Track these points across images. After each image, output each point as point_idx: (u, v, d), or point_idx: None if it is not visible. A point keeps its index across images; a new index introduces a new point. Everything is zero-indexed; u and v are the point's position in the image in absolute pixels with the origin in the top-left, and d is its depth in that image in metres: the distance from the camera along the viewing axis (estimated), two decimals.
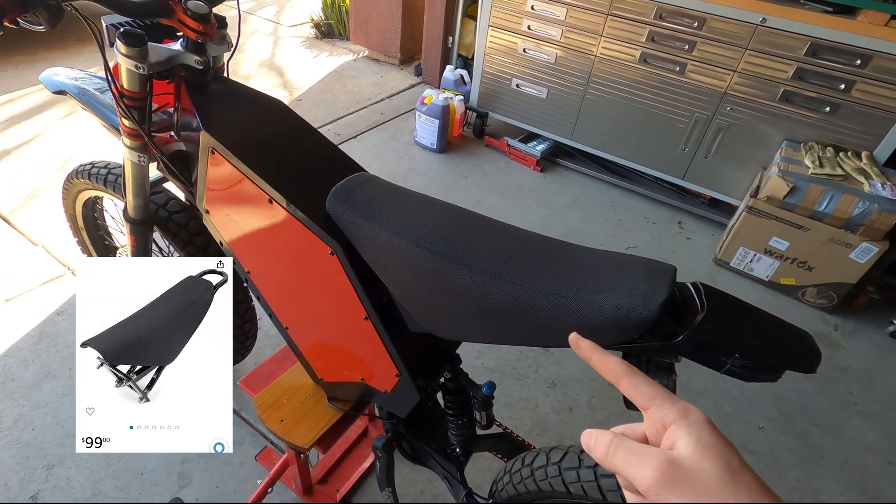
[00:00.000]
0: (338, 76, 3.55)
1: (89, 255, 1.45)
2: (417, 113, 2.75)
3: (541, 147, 2.80)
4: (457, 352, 0.93)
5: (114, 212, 1.41)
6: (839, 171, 1.94)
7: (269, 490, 1.21)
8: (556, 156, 2.84)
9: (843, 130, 2.05)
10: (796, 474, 1.51)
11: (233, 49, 0.87)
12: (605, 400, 1.63)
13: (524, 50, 2.60)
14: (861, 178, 1.91)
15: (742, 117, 2.21)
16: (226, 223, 0.88)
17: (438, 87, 3.18)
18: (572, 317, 0.57)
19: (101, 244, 1.44)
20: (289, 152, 0.82)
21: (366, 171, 0.83)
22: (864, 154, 2.03)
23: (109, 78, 0.79)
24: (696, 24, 2.12)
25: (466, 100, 2.95)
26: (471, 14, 3.08)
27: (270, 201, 0.77)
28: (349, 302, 0.79)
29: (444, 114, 2.71)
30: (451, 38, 3.24)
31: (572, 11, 2.36)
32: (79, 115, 2.76)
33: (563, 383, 1.66)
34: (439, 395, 1.00)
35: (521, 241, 0.67)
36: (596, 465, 0.78)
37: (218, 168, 0.81)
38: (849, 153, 2.04)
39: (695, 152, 2.39)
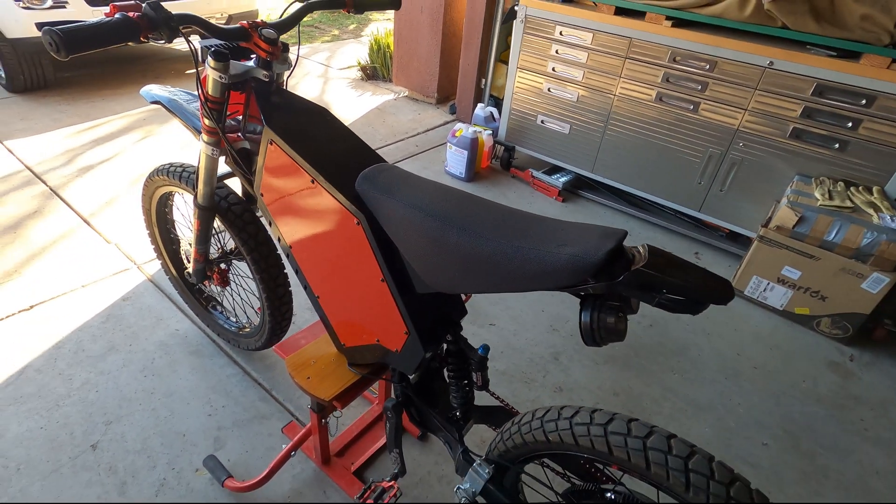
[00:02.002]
0: (379, 112, 3.88)
1: (157, 244, 1.69)
2: (448, 144, 2.99)
3: (563, 179, 2.97)
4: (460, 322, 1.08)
5: (182, 208, 1.66)
6: (848, 204, 2.01)
7: (292, 454, 1.35)
8: (578, 187, 3.00)
9: (853, 166, 2.13)
10: (798, 490, 1.53)
11: (292, 68, 1.10)
12: (609, 407, 1.71)
13: (549, 89, 2.82)
14: (870, 211, 1.98)
15: (754, 153, 2.32)
16: (276, 204, 1.08)
17: (470, 123, 3.43)
18: (537, 264, 0.72)
19: (167, 236, 1.69)
20: (330, 146, 1.02)
21: (388, 163, 1.02)
22: (875, 189, 2.09)
23: (199, 85, 1.03)
24: (707, 66, 2.29)
25: (495, 135, 3.19)
26: (503, 59, 3.36)
27: (313, 181, 0.97)
28: (369, 266, 0.96)
29: (473, 145, 2.93)
30: (483, 80, 3.52)
31: (593, 55, 2.58)
32: (150, 140, 3.15)
33: (569, 389, 1.75)
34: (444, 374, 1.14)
35: (504, 213, 0.83)
36: (571, 416, 0.90)
37: (274, 156, 1.02)
38: (860, 188, 2.11)
39: (710, 186, 2.50)
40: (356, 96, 4.16)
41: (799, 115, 2.15)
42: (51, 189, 2.55)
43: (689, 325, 2.11)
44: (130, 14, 0.79)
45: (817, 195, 2.08)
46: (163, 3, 0.83)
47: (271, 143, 1.01)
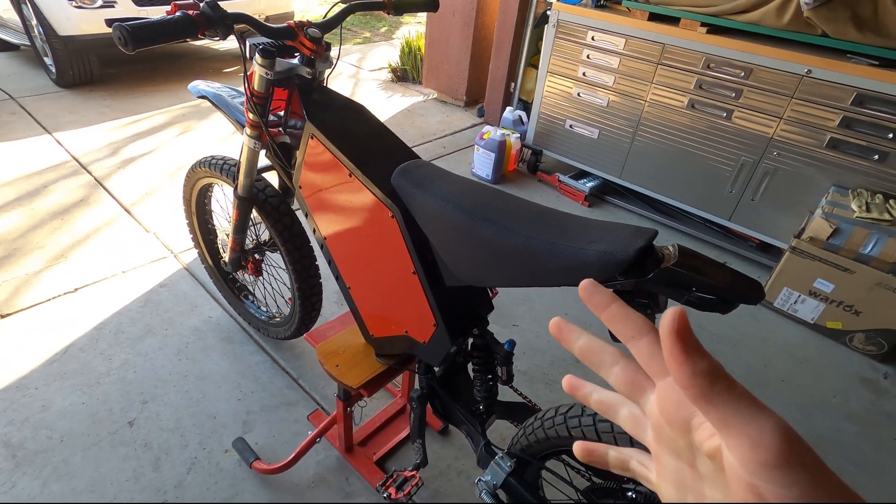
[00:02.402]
0: (408, 114, 3.93)
1: (195, 233, 1.76)
2: (476, 146, 3.02)
3: (590, 184, 2.96)
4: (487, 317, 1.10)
5: (221, 200, 1.73)
6: (886, 217, 1.96)
7: (317, 441, 1.39)
8: (605, 193, 2.99)
9: (893, 178, 2.07)
10: None
11: (333, 67, 1.15)
12: None
13: (578, 94, 2.82)
14: None
15: (789, 162, 2.28)
16: (313, 196, 1.13)
17: (498, 126, 3.45)
18: (566, 259, 0.74)
19: (205, 226, 1.76)
20: (367, 141, 1.06)
21: (422, 159, 1.05)
22: None
23: (245, 81, 1.08)
24: (742, 73, 2.26)
25: (523, 138, 3.20)
26: (533, 63, 3.37)
27: (350, 175, 1.01)
28: (401, 258, 1.00)
29: (501, 148, 2.95)
30: (513, 84, 3.54)
31: (625, 60, 2.58)
32: (189, 135, 3.26)
33: None
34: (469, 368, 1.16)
35: (535, 209, 0.85)
36: (595, 413, 0.91)
37: (314, 150, 1.06)
38: None
39: (741, 195, 2.46)
40: (386, 97, 4.23)
41: (837, 125, 2.11)
42: (96, 179, 2.68)
43: (715, 335, 2.08)
44: (190, 12, 0.84)
45: (854, 207, 2.03)
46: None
47: (312, 138, 1.06)
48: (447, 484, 1.42)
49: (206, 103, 3.74)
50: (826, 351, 2.08)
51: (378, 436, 1.52)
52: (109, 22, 0.80)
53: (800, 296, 2.16)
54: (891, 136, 2.01)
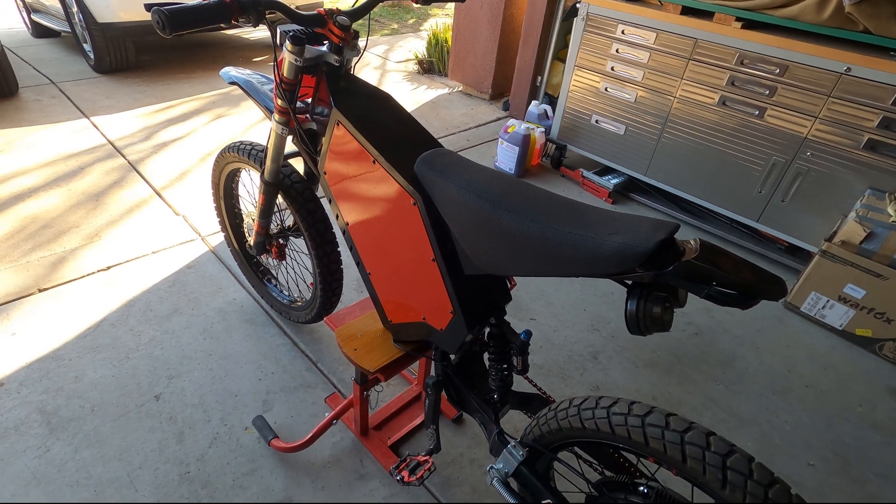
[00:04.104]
0: (433, 106, 3.94)
1: (222, 217, 1.81)
2: (500, 140, 3.01)
3: (615, 181, 2.92)
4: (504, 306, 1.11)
5: (248, 185, 1.77)
6: None
7: (334, 422, 1.43)
8: (629, 190, 2.95)
9: None
10: None
11: (360, 55, 1.16)
12: None
13: (606, 89, 2.79)
14: None
15: (823, 163, 2.21)
16: (338, 182, 1.15)
17: (523, 120, 3.43)
18: (587, 250, 0.74)
19: (231, 210, 1.80)
20: (392, 129, 1.08)
21: (444, 147, 1.06)
22: None
23: (275, 68, 1.11)
24: (777, 70, 2.19)
25: (547, 132, 3.17)
26: (560, 57, 3.34)
27: (374, 162, 1.03)
28: (422, 245, 1.01)
29: (525, 142, 2.94)
30: (539, 78, 3.51)
31: (655, 55, 2.53)
32: (219, 121, 3.34)
33: (605, 388, 1.75)
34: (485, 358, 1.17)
35: (556, 200, 0.85)
36: (608, 406, 0.91)
37: (340, 136, 1.08)
38: None
39: (771, 196, 2.40)
40: (411, 89, 4.24)
41: (876, 126, 2.03)
42: (129, 163, 2.76)
43: (737, 337, 2.04)
44: None
45: (890, 211, 1.96)
46: None
47: (338, 125, 1.07)
48: (459, 471, 1.44)
49: (237, 91, 3.82)
50: (854, 359, 2.02)
51: (393, 421, 1.54)
52: (148, 6, 0.83)
53: (828, 301, 2.10)
54: None
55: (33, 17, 4.63)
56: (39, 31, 4.76)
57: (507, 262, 0.87)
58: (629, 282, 0.76)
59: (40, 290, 1.88)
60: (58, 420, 1.46)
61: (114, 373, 1.61)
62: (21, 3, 4.79)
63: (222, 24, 0.87)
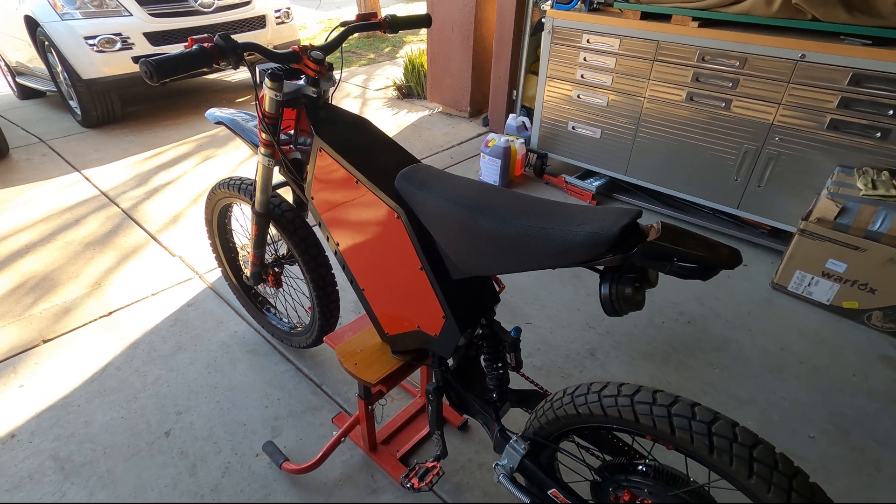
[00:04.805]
0: (415, 128, 4.04)
1: (217, 253, 1.86)
2: (482, 154, 3.09)
3: (597, 183, 3.01)
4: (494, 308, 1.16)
5: (240, 219, 1.83)
6: (893, 192, 1.96)
7: (342, 440, 1.46)
8: (612, 191, 3.03)
9: None
10: (847, 482, 1.49)
11: (336, 85, 1.23)
12: None
13: (578, 96, 2.89)
14: None
15: (792, 146, 2.30)
16: (325, 205, 1.21)
17: (503, 134, 3.53)
18: (559, 242, 0.80)
19: (226, 245, 1.86)
20: (371, 150, 1.14)
21: (422, 162, 1.13)
22: None
23: (258, 104, 1.18)
24: (737, 63, 2.30)
25: (528, 143, 3.27)
26: (533, 70, 3.46)
27: (357, 182, 1.09)
28: (409, 256, 1.07)
29: (506, 154, 3.03)
30: (515, 92, 3.62)
31: (621, 60, 2.64)
32: (207, 163, 3.42)
33: None
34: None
35: (527, 200, 0.91)
36: (599, 390, 0.96)
37: (323, 162, 1.15)
38: None
39: (747, 182, 2.48)
40: (392, 114, 4.35)
41: (836, 106, 2.13)
42: (123, 211, 2.83)
43: (729, 322, 2.09)
44: (205, 45, 0.94)
45: (860, 185, 2.03)
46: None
47: (321, 151, 1.14)
48: (468, 477, 1.47)
49: (223, 133, 3.92)
50: (844, 331, 2.07)
51: (400, 434, 1.57)
52: (136, 59, 0.90)
53: (813, 278, 2.16)
54: (891, 112, 2.02)
55: (18, 79, 4.75)
56: (24, 93, 4.88)
57: (489, 262, 0.93)
58: (601, 268, 0.82)
59: (44, 342, 1.92)
60: (71, 465, 1.48)
61: (123, 414, 1.64)
62: (6, 68, 4.92)
63: (205, 69, 0.94)
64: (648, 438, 0.91)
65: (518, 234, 0.85)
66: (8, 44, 4.51)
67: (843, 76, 2.07)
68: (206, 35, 0.97)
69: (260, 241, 1.53)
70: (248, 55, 1.03)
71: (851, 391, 1.79)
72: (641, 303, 0.80)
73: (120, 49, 3.67)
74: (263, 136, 1.24)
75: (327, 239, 1.26)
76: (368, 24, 1.30)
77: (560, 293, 2.22)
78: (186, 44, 0.95)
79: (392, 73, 5.46)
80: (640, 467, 1.00)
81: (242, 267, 1.80)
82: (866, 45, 2.01)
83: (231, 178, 1.59)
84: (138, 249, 2.48)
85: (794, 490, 0.76)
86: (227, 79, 5.33)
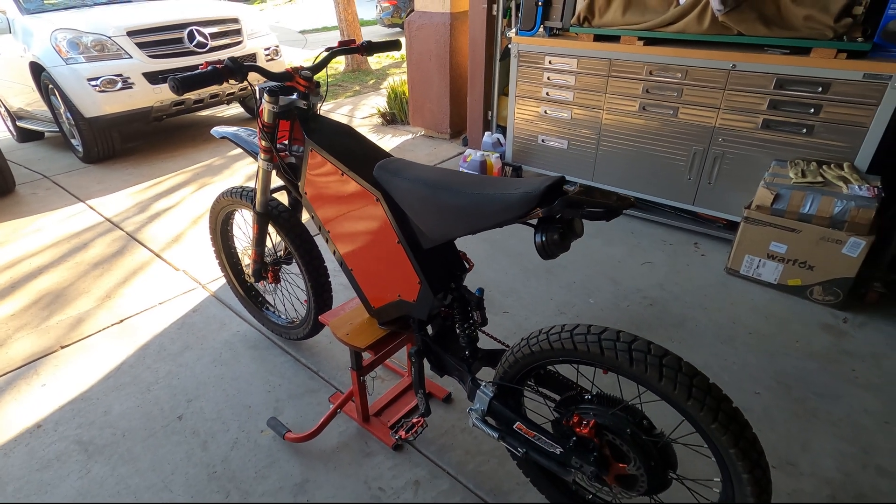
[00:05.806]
0: (399, 151, 4.32)
1: (220, 257, 2.07)
2: (460, 168, 3.35)
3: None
4: (463, 278, 1.37)
5: (242, 226, 2.04)
6: (819, 179, 2.23)
7: (338, 412, 1.63)
8: None
9: (823, 147, 2.35)
10: (787, 427, 1.69)
11: (323, 99, 1.47)
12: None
13: (545, 112, 3.18)
14: (841, 184, 2.18)
15: (733, 146, 2.57)
16: (317, 198, 1.43)
17: (480, 150, 3.80)
18: (502, 203, 1.02)
19: (228, 250, 2.06)
20: (353, 149, 1.37)
21: (395, 157, 1.36)
22: (845, 164, 2.30)
23: (258, 116, 1.41)
24: (680, 75, 2.59)
25: (503, 157, 3.54)
26: (505, 92, 3.76)
27: (342, 174, 1.31)
28: (387, 233, 1.28)
29: (482, 167, 3.29)
30: (489, 112, 3.92)
31: (580, 77, 2.94)
32: (204, 189, 3.64)
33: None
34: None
35: (476, 177, 1.14)
36: (549, 331, 1.16)
37: (314, 161, 1.37)
38: (832, 165, 2.32)
39: (699, 180, 2.74)
40: (378, 139, 4.63)
41: (766, 108, 2.41)
42: (128, 234, 3.03)
43: (686, 303, 2.31)
44: (217, 66, 1.18)
45: (791, 175, 2.30)
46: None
47: (312, 152, 1.37)
48: (452, 439, 1.64)
49: (218, 163, 4.16)
50: (790, 306, 2.29)
51: (391, 407, 1.75)
52: (166, 77, 1.13)
53: (760, 260, 2.40)
54: (812, 110, 2.30)
55: (18, 123, 5.00)
56: (23, 136, 5.12)
57: (451, 227, 1.15)
58: (534, 223, 1.04)
59: (62, 347, 2.09)
60: (94, 447, 1.64)
61: (138, 403, 1.80)
62: (6, 113, 5.17)
63: (216, 85, 1.18)
64: (605, 372, 1.09)
65: (469, 201, 1.08)
66: (10, 90, 4.78)
67: (769, 81, 2.36)
68: (217, 59, 1.21)
69: (260, 239, 1.74)
70: (251, 74, 1.27)
71: (795, 354, 2.00)
72: (567, 246, 1.02)
73: (121, 88, 3.94)
74: (263, 143, 1.47)
75: (319, 228, 1.48)
76: (349, 48, 1.55)
77: (535, 286, 2.44)
78: (202, 65, 1.19)
79: (376, 102, 5.78)
80: (587, 396, 1.20)
81: (244, 268, 2.00)
82: (785, 54, 2.31)
83: (233, 187, 1.82)
84: (144, 266, 2.68)
85: (694, 386, 0.97)
86: (220, 114, 5.63)
